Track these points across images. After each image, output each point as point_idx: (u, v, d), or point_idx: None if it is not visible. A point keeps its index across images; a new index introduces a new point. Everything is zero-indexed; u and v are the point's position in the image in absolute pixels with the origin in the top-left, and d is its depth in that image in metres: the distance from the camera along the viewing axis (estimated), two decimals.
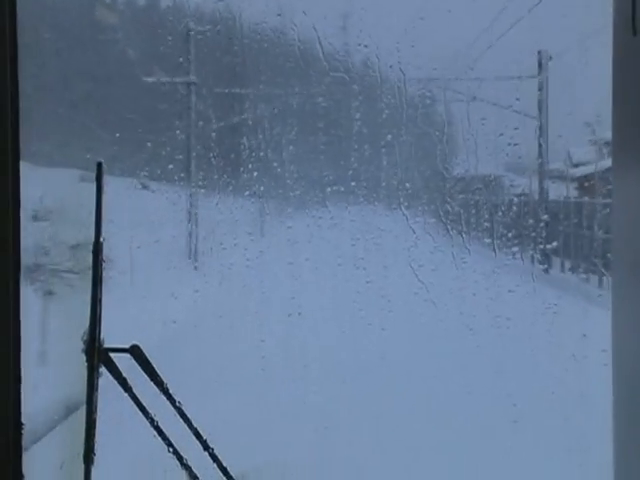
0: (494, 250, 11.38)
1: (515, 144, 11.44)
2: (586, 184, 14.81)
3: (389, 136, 11.43)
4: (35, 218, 10.00)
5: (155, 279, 12.26)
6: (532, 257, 11.78)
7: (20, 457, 2.72)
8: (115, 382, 3.32)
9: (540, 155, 13.57)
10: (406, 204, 11.39)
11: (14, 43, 2.71)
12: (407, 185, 11.80)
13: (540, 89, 13.45)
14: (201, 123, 15.28)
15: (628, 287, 3.03)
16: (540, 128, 13.05)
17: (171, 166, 13.76)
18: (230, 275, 10.96)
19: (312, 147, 12.79)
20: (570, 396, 9.17)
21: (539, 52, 13.70)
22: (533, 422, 9.07)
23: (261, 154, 12.48)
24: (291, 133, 12.77)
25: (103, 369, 3.29)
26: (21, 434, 2.74)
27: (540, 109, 13.23)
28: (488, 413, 9.41)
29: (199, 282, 10.86)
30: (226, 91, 15.26)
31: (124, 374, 3.30)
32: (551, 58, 13.67)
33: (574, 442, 8.30)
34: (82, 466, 3.25)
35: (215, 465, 3.49)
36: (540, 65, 13.64)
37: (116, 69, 15.91)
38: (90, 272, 3.26)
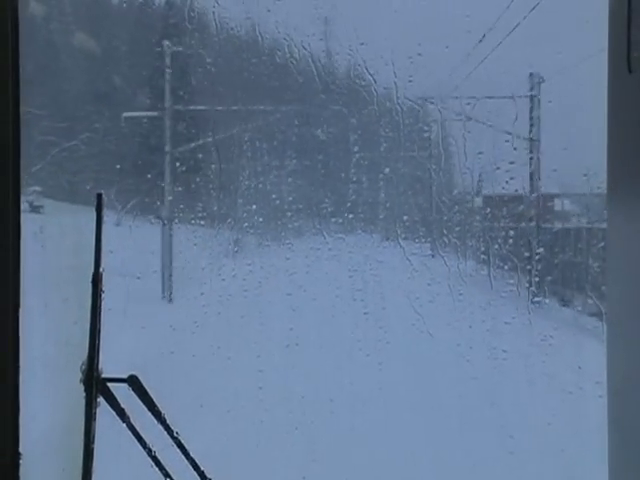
0: (490, 282, 11.41)
1: (512, 178, 11.52)
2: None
3: (387, 169, 11.54)
4: None
5: (147, 310, 12.28)
6: (528, 289, 11.78)
7: None
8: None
9: (533, 187, 13.58)
10: (403, 236, 11.46)
11: (16, 49, 2.74)
12: (404, 217, 11.89)
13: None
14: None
15: (622, 320, 3.03)
16: (531, 159, 13.01)
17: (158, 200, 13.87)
18: (229, 306, 10.97)
19: (310, 178, 12.86)
20: (566, 427, 9.17)
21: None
22: (529, 453, 9.06)
23: (260, 186, 12.55)
24: (290, 164, 12.83)
25: (101, 399, 3.29)
26: (19, 464, 2.75)
27: (532, 141, 13.19)
28: (484, 444, 9.40)
29: (198, 313, 10.84)
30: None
31: (122, 404, 3.31)
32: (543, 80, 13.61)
33: (570, 473, 8.30)
34: None
35: None
36: (532, 88, 13.60)
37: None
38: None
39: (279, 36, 10.95)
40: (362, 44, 10.29)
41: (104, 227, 3.35)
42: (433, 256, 11.86)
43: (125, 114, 15.60)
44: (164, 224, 14.89)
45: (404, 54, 10.14)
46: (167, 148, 15.35)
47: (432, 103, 11.56)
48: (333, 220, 11.81)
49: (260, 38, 11.28)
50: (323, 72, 11.09)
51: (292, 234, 12.07)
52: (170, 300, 14.17)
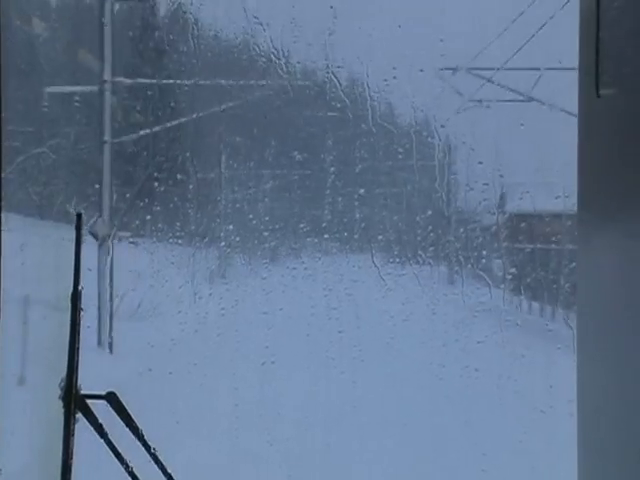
0: (463, 301, 11.52)
1: (485, 199, 11.67)
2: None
3: (362, 190, 11.63)
4: None
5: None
6: (500, 307, 11.89)
7: None
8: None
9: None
10: (377, 256, 11.56)
11: None
12: (379, 237, 11.98)
13: None
14: (179, 175, 13.00)
15: (592, 339, 3.06)
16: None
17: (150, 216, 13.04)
18: (205, 323, 11.02)
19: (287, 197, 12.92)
20: (537, 445, 9.26)
21: None
22: (502, 471, 9.14)
23: (237, 205, 12.60)
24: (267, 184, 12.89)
25: (80, 415, 3.32)
26: None
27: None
28: (457, 462, 9.48)
29: (174, 331, 10.87)
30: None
31: (100, 420, 3.34)
32: None
33: None
34: None
35: None
36: None
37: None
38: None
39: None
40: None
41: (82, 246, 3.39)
42: (408, 276, 11.96)
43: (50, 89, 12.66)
44: (101, 241, 12.01)
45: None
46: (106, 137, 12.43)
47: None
48: (309, 240, 11.91)
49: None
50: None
51: (268, 254, 12.16)
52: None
